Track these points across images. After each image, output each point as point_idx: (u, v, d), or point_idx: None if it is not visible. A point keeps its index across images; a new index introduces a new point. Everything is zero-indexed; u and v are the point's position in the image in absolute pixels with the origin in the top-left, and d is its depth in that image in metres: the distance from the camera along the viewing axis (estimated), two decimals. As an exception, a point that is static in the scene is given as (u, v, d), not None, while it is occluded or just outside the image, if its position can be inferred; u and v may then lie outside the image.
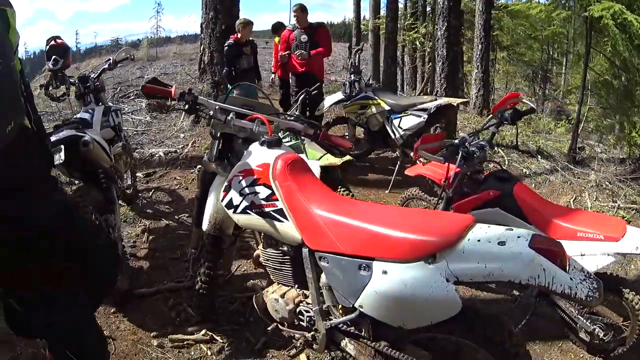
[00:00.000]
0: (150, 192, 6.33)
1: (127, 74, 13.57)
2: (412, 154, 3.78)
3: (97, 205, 3.72)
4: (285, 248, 2.65)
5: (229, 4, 9.04)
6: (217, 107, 3.07)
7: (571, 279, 1.87)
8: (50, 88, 4.59)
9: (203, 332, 3.58)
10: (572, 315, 3.34)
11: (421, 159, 3.82)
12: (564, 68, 21.68)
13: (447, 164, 3.64)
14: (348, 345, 2.51)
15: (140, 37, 28.94)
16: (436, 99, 6.60)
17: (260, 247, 2.89)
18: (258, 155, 2.74)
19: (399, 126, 6.68)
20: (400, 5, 17.88)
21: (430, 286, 1.99)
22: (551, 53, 21.41)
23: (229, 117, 3.03)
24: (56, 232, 2.05)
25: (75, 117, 4.37)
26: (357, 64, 7.40)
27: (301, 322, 2.67)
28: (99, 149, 3.86)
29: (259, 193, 2.61)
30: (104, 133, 4.35)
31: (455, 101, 6.66)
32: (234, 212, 2.74)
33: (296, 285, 2.70)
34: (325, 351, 2.65)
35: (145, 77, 11.73)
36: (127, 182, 5.57)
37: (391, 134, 6.81)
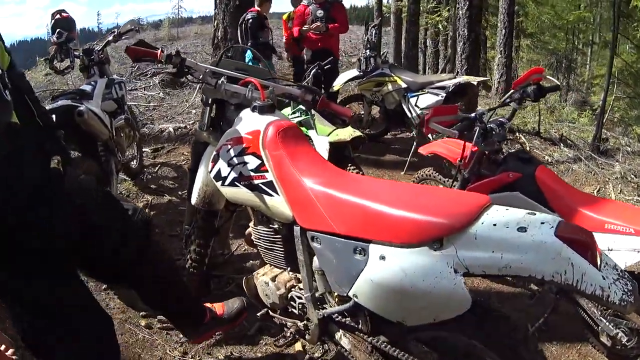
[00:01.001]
0: (156, 168, 6.17)
1: None
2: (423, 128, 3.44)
3: (93, 175, 3.67)
4: (277, 226, 2.40)
5: (242, -23, 8.71)
6: (206, 70, 2.81)
7: (604, 278, 1.52)
8: (55, 61, 4.56)
9: (193, 314, 3.33)
10: (595, 316, 2.97)
11: (432, 134, 3.39)
12: (588, 59, 21.23)
13: (463, 142, 3.36)
14: (343, 338, 2.30)
15: (162, 18, 29.09)
16: (455, 77, 6.37)
17: (252, 224, 2.66)
18: (248, 122, 2.51)
19: (416, 105, 6.40)
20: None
21: (434, 277, 1.68)
22: (576, 43, 20.95)
23: (219, 82, 2.76)
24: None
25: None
26: (372, 39, 7.12)
27: (293, 309, 2.48)
28: (95, 120, 3.79)
29: (247, 163, 2.36)
30: (105, 105, 4.32)
31: (475, 79, 6.38)
32: (222, 184, 2.50)
33: (288, 268, 2.48)
34: (319, 343, 2.49)
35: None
36: (131, 156, 5.48)
37: (408, 113, 6.54)
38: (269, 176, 2.28)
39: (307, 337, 2.42)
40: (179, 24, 28.18)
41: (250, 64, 7.19)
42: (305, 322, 2.40)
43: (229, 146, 2.47)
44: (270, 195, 2.27)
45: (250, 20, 7.35)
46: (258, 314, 2.70)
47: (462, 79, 6.30)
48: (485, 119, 3.35)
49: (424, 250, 1.71)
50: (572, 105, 15.54)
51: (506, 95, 3.96)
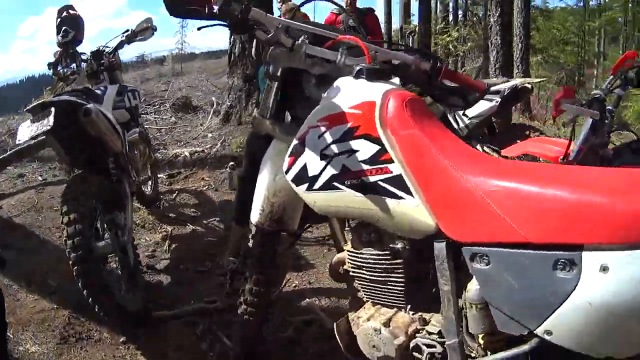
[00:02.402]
0: (174, 194, 5.46)
1: (152, 87, 13.16)
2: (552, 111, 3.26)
3: (101, 198, 2.95)
4: (400, 245, 1.73)
5: (258, -9, 8.01)
6: (279, 26, 1.94)
7: None
8: (59, 67, 3.94)
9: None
10: None
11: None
12: (595, 71, 20.93)
13: (569, 139, 3.10)
14: None
15: (166, 54, 29.10)
16: (509, 80, 5.55)
17: (348, 246, 1.94)
18: (352, 93, 1.75)
19: (464, 114, 5.54)
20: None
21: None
22: (584, 55, 20.83)
23: (298, 41, 1.90)
24: None
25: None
26: (411, 45, 6.26)
27: None
28: (106, 125, 3.02)
29: (357, 152, 1.65)
30: (117, 114, 3.58)
31: (532, 81, 5.60)
32: (309, 188, 1.79)
33: (409, 306, 1.80)
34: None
35: (169, 90, 11.37)
36: (144, 178, 4.78)
37: (454, 123, 5.65)
38: (395, 168, 1.59)
39: None
40: (183, 60, 27.67)
41: (264, 84, 6.48)
42: None
43: (323, 129, 1.74)
44: (398, 197, 1.59)
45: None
46: None
47: (519, 80, 5.51)
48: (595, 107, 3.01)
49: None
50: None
51: (606, 82, 3.66)
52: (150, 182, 4.97)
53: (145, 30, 4.03)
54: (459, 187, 1.50)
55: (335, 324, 2.05)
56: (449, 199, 1.53)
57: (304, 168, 1.80)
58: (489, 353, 1.60)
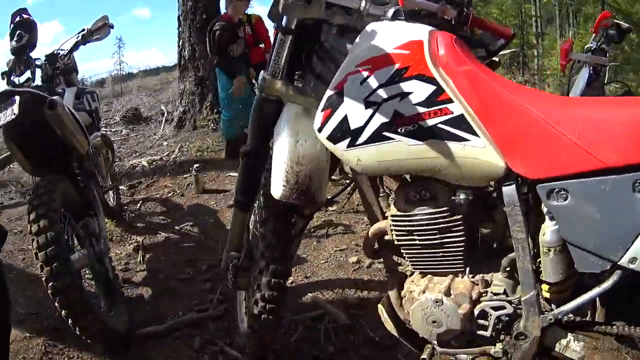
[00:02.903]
0: (138, 204, 5.16)
1: None
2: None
3: (70, 206, 2.69)
4: (461, 197, 1.54)
5: (207, -10, 7.90)
6: None
7: None
8: (13, 75, 3.54)
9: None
10: None
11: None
12: (536, 51, 21.45)
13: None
14: (573, 343, 1.52)
15: (104, 76, 29.95)
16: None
17: (392, 211, 1.70)
18: (393, 34, 1.57)
19: None
20: None
21: None
22: (525, 37, 21.53)
23: None
24: None
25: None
26: None
27: (483, 332, 1.62)
28: (72, 121, 2.73)
29: (409, 94, 1.48)
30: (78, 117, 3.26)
31: (502, 53, 5.36)
32: (351, 144, 1.57)
33: (467, 270, 1.65)
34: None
35: (111, 112, 11.27)
36: (107, 186, 4.45)
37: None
38: (456, 108, 1.44)
39: None
40: (122, 80, 28.15)
41: (222, 82, 6.23)
42: (504, 343, 1.58)
43: (365, 73, 1.53)
44: (462, 139, 1.45)
45: (218, 32, 6.01)
46: (423, 357, 1.75)
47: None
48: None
49: None
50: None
51: (591, 40, 3.84)
52: (112, 194, 4.71)
53: (102, 28, 3.79)
54: (527, 120, 1.40)
55: (380, 305, 1.85)
56: (519, 135, 1.41)
57: (344, 121, 1.56)
58: (566, 301, 1.50)
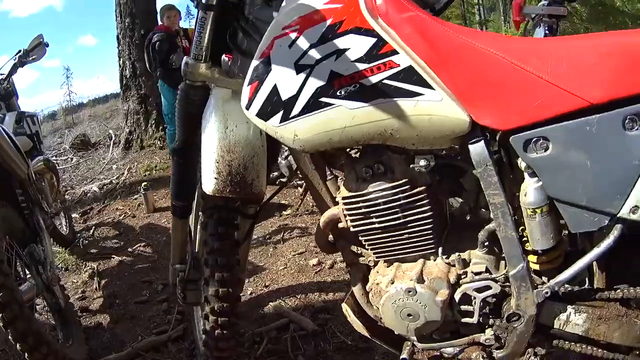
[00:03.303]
0: (91, 230, 5.01)
1: (50, 143, 12.35)
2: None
3: (14, 232, 2.58)
4: (422, 163, 1.37)
5: (144, 5, 7.75)
6: None
7: None
8: None
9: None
10: None
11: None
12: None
13: None
14: (574, 316, 1.37)
15: (56, 108, 29.52)
16: None
17: (342, 193, 1.52)
18: None
19: None
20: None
21: None
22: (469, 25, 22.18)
23: None
24: None
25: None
26: None
27: (468, 319, 1.47)
28: (10, 146, 2.61)
29: (347, 51, 1.29)
30: (18, 141, 3.11)
31: None
32: (284, 118, 1.38)
33: (440, 250, 1.49)
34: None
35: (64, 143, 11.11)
36: (56, 214, 4.33)
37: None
38: (402, 60, 1.26)
39: (500, 353, 1.46)
40: (73, 111, 27.73)
41: (165, 96, 6.18)
42: (495, 328, 1.44)
43: (294, 35, 1.34)
44: (414, 94, 1.26)
45: (158, 43, 5.96)
46: (403, 357, 1.58)
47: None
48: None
49: None
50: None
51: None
52: (64, 222, 4.57)
53: (38, 47, 3.75)
54: (489, 63, 1.24)
55: (344, 304, 1.67)
56: (480, 80, 1.25)
57: (274, 92, 1.37)
58: (559, 271, 1.35)
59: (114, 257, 4.15)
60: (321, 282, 3.13)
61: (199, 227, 1.98)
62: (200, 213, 1.90)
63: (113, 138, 8.37)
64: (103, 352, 2.73)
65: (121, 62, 7.94)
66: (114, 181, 6.67)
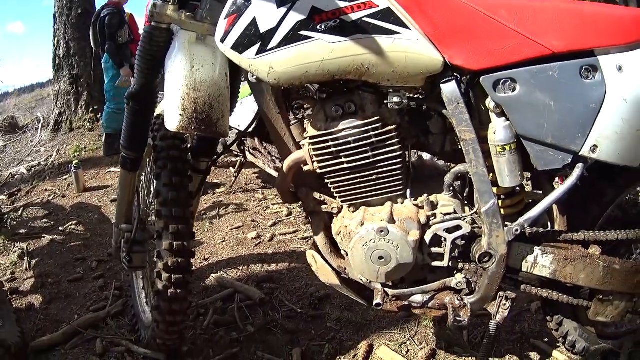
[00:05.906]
0: (19, 211, 4.67)
1: None
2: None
3: None
4: (395, 100, 1.36)
5: (83, -17, 7.42)
6: None
7: None
8: None
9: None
10: None
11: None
12: None
13: None
14: (541, 258, 1.43)
15: None
16: None
17: (310, 132, 1.49)
18: None
19: None
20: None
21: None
22: None
23: None
24: None
25: None
26: None
27: (439, 263, 1.49)
28: None
29: None
30: None
31: None
32: (261, 50, 1.34)
33: (408, 192, 1.49)
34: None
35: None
36: None
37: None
38: (382, 1, 1.29)
39: (471, 300, 1.49)
40: None
41: (109, 73, 5.97)
42: (465, 271, 1.49)
43: None
44: (392, 32, 1.29)
45: (108, 17, 5.79)
46: (375, 305, 1.55)
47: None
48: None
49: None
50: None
51: None
52: None
53: None
54: (461, 11, 1.32)
55: (308, 252, 1.64)
56: (454, 26, 1.32)
57: (253, 25, 1.34)
58: (529, 206, 1.44)
59: (44, 237, 3.88)
60: (262, 254, 3.01)
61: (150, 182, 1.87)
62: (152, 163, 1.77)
63: (42, 121, 7.97)
64: (37, 334, 2.51)
65: (56, 41, 7.57)
66: (42, 163, 6.34)
